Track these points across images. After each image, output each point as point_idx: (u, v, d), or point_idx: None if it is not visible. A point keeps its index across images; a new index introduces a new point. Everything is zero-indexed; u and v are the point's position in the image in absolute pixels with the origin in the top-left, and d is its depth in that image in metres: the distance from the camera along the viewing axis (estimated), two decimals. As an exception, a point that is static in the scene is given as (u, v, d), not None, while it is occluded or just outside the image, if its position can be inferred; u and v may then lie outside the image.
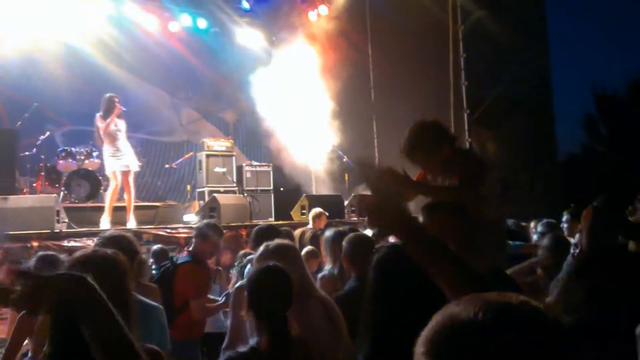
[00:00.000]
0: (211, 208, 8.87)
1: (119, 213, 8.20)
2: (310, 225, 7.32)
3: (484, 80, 10.45)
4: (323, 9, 12.10)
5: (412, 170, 3.31)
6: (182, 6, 11.73)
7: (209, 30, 12.18)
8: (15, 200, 7.35)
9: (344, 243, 3.47)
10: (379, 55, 12.04)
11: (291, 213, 10.03)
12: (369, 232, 4.49)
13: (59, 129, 10.24)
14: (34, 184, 9.09)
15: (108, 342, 1.39)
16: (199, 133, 12.07)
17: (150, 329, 2.57)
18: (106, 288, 1.88)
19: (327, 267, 4.09)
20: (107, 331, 1.40)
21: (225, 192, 10.15)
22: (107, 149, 7.93)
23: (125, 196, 8.16)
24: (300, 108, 11.19)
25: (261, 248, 3.01)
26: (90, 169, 9.22)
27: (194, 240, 4.46)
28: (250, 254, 4.50)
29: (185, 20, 11.78)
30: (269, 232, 4.21)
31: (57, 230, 7.16)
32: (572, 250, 3.17)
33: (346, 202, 10.39)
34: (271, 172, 10.99)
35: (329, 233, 4.15)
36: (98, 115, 7.91)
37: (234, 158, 10.95)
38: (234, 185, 10.46)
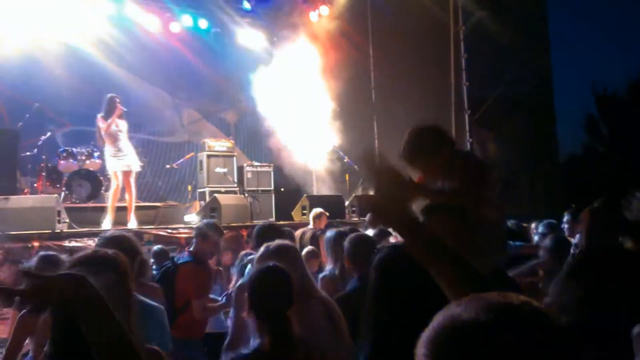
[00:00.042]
0: (212, 208, 8.87)
1: (120, 213, 8.21)
2: (310, 226, 7.32)
3: (485, 81, 10.44)
4: (324, 10, 12.11)
5: (413, 175, 3.30)
6: (183, 6, 11.74)
7: (210, 30, 12.18)
8: (17, 201, 7.36)
9: (345, 243, 3.47)
10: (380, 56, 12.05)
11: (292, 213, 10.03)
12: (370, 232, 4.49)
13: (60, 129, 10.25)
14: (35, 184, 9.10)
15: (107, 342, 1.39)
16: (200, 133, 12.08)
17: (150, 330, 2.57)
18: (107, 288, 1.89)
19: (328, 267, 4.09)
20: (107, 331, 1.40)
21: (226, 192, 10.16)
22: (108, 149, 7.94)
23: (127, 196, 8.16)
24: (301, 108, 11.19)
25: (262, 249, 3.02)
26: (91, 169, 9.23)
27: (194, 240, 4.47)
28: (251, 254, 4.51)
29: (186, 20, 11.78)
30: (270, 231, 4.21)
31: (58, 231, 7.17)
32: (572, 251, 3.17)
33: (347, 203, 10.39)
34: (272, 173, 10.99)
35: (330, 233, 4.15)
36: (99, 115, 7.92)
37: (234, 158, 10.95)
38: (235, 185, 10.46)
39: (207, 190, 10.38)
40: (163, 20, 11.57)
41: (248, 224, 8.63)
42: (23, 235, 6.75)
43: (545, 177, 10.78)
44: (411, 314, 1.40)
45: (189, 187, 11.30)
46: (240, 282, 3.58)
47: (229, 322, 4.67)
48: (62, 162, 9.21)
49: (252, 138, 12.75)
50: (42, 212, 7.15)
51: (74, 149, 9.36)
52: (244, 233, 8.16)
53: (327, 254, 4.22)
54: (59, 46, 10.37)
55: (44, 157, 9.11)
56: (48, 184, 9.02)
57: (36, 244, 6.66)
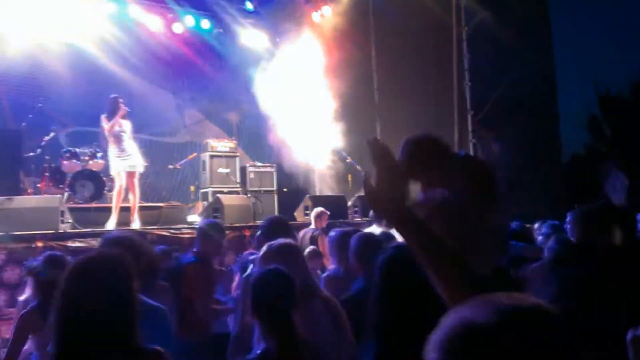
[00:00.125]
0: (215, 209, 8.88)
1: (123, 214, 8.22)
2: (312, 225, 7.33)
3: (488, 81, 10.44)
4: (327, 10, 12.11)
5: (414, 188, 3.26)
6: (186, 7, 11.75)
7: (213, 31, 12.19)
8: (20, 201, 7.37)
9: (352, 242, 3.46)
10: (383, 56, 12.05)
11: (295, 214, 10.03)
12: (374, 229, 4.49)
13: (64, 129, 10.26)
14: (39, 185, 9.10)
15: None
16: (203, 134, 12.09)
17: (153, 330, 2.57)
18: (111, 289, 1.89)
19: (332, 267, 4.09)
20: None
21: (229, 192, 10.17)
22: (112, 149, 7.97)
23: (130, 197, 8.18)
24: (303, 109, 11.19)
25: (264, 247, 3.02)
26: (94, 169, 9.23)
27: (197, 240, 4.47)
28: (253, 253, 4.52)
29: (189, 21, 11.80)
30: (280, 224, 4.17)
31: (62, 231, 7.17)
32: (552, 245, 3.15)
33: (349, 203, 10.39)
34: (275, 173, 11.00)
35: (334, 233, 4.14)
36: (103, 116, 7.94)
37: (237, 159, 10.96)
38: (238, 185, 10.46)
39: (209, 190, 10.39)
40: (166, 21, 11.59)
41: (251, 224, 8.63)
42: (26, 236, 6.76)
43: (548, 177, 10.76)
44: (416, 314, 1.40)
45: (192, 188, 11.30)
46: (243, 283, 3.58)
47: (231, 323, 4.69)
48: (65, 162, 9.22)
49: (254, 138, 12.76)
50: (46, 213, 7.16)
51: (77, 150, 9.37)
52: (247, 233, 8.16)
53: (330, 254, 4.21)
54: (62, 47, 10.39)
55: (47, 157, 9.12)
56: (51, 184, 9.03)
57: (40, 244, 6.67)
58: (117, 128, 7.87)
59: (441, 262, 1.29)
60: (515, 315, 0.81)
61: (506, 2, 10.15)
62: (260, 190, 10.52)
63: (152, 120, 11.62)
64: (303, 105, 11.20)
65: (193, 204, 10.91)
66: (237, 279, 4.79)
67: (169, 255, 5.70)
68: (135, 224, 8.05)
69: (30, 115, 9.21)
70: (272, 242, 3.01)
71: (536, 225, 5.39)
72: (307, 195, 10.30)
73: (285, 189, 11.22)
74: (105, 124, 7.87)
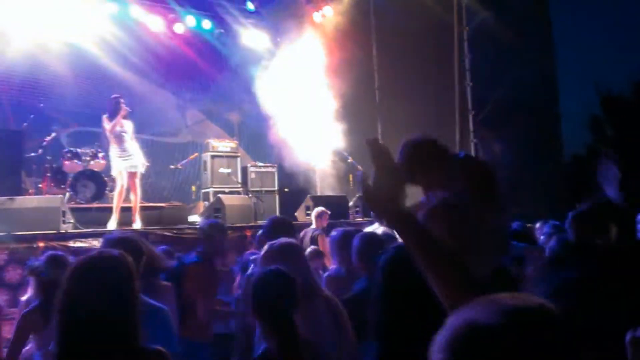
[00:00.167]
0: (216, 209, 8.89)
1: (124, 214, 8.22)
2: (313, 225, 7.34)
3: (489, 81, 10.43)
4: (328, 10, 12.12)
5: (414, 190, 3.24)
6: (187, 7, 11.76)
7: (214, 31, 12.20)
8: (21, 201, 7.38)
9: (355, 241, 3.45)
10: (384, 56, 12.04)
11: (296, 213, 10.03)
12: (375, 227, 4.49)
13: (65, 129, 10.27)
14: (40, 185, 9.12)
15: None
16: (204, 134, 12.10)
17: (155, 331, 2.57)
18: (112, 289, 1.89)
19: (333, 266, 4.08)
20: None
21: (230, 192, 10.17)
22: (113, 149, 7.98)
23: (132, 197, 8.18)
24: (304, 109, 11.20)
25: (265, 247, 3.01)
26: (95, 169, 9.25)
27: (200, 240, 4.48)
28: (254, 253, 4.52)
29: (190, 21, 11.81)
30: (282, 225, 4.18)
31: (63, 231, 7.18)
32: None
33: (351, 203, 10.39)
34: (276, 173, 11.01)
35: (335, 233, 4.13)
36: (104, 116, 7.95)
37: (238, 159, 10.97)
38: (239, 186, 10.47)
39: (211, 190, 10.40)
40: (167, 21, 11.60)
41: (252, 224, 8.64)
42: (28, 236, 6.77)
43: (550, 178, 10.75)
44: (417, 314, 1.40)
45: (193, 188, 11.31)
46: (244, 283, 3.58)
47: (232, 323, 4.70)
48: (66, 162, 9.23)
49: (256, 138, 12.76)
50: (47, 213, 7.17)
51: (79, 150, 9.38)
52: (248, 233, 8.16)
53: (332, 254, 4.21)
54: (64, 47, 10.39)
55: (48, 157, 9.13)
56: (53, 184, 9.04)
57: (41, 244, 6.68)
58: (118, 128, 7.88)
59: (438, 263, 1.29)
60: (520, 315, 0.81)
61: (507, 2, 10.15)
62: (261, 190, 10.53)
63: (154, 120, 11.63)
64: (304, 105, 11.21)
65: (194, 204, 10.91)
66: (238, 279, 4.80)
67: (171, 255, 5.70)
68: (137, 224, 8.06)
69: (32, 116, 9.21)
70: (274, 242, 3.01)
71: (537, 225, 5.39)
72: (309, 195, 10.31)
73: (286, 189, 11.22)
74: (107, 124, 7.88)
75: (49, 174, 8.99)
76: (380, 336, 1.71)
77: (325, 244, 6.39)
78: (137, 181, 8.12)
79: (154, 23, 11.39)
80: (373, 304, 1.79)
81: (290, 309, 2.33)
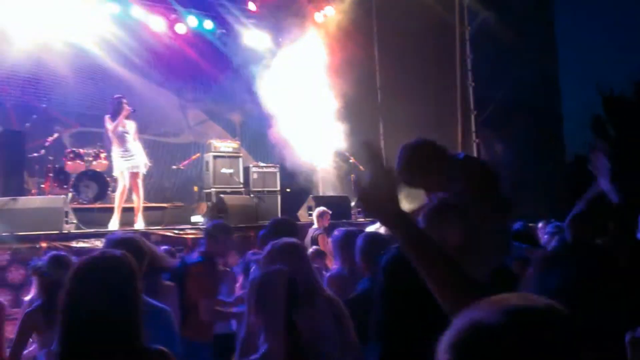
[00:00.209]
0: (218, 209, 8.89)
1: (126, 214, 8.24)
2: (315, 225, 7.35)
3: (491, 81, 10.42)
4: (329, 10, 12.11)
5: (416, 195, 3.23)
6: (189, 8, 11.77)
7: (216, 31, 12.21)
8: (24, 201, 7.40)
9: (359, 241, 3.44)
10: (386, 56, 12.04)
11: (298, 214, 10.04)
12: (377, 227, 4.48)
13: (67, 130, 10.29)
14: (43, 185, 9.13)
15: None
16: (206, 134, 12.10)
17: (157, 331, 2.58)
18: (115, 289, 1.90)
19: (335, 266, 4.08)
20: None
21: (232, 193, 10.18)
22: (115, 150, 7.99)
23: (134, 197, 8.19)
24: (306, 109, 11.20)
25: (268, 246, 3.01)
26: (98, 170, 9.26)
27: (204, 240, 4.49)
28: (256, 253, 4.52)
29: (191, 21, 11.81)
30: (286, 226, 4.18)
31: (66, 231, 7.20)
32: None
33: (353, 203, 10.39)
34: (278, 173, 11.01)
35: (338, 233, 4.13)
36: (107, 116, 7.97)
37: (240, 159, 10.97)
38: (241, 186, 10.47)
39: (213, 191, 10.40)
40: (169, 22, 11.60)
41: (254, 224, 8.64)
42: (31, 236, 6.79)
43: (552, 178, 10.74)
44: (419, 314, 1.41)
45: (195, 188, 11.32)
46: (249, 284, 3.58)
47: (234, 323, 4.70)
48: (69, 163, 9.25)
49: (257, 139, 12.76)
50: (50, 213, 7.19)
51: (81, 150, 9.39)
52: (251, 234, 8.17)
53: (334, 253, 4.21)
54: (66, 47, 10.41)
55: (51, 158, 9.14)
56: (55, 184, 9.05)
57: (44, 244, 6.70)
58: (120, 128, 7.89)
59: (434, 264, 1.29)
60: (525, 315, 0.82)
61: (509, 1, 10.14)
62: (263, 191, 10.53)
63: (156, 120, 11.65)
64: (306, 105, 11.21)
65: (196, 205, 10.92)
66: (240, 279, 4.80)
67: (173, 255, 5.71)
68: (139, 225, 8.07)
69: (34, 116, 9.23)
70: (276, 241, 3.01)
71: (540, 225, 5.40)
72: (311, 195, 10.31)
73: (288, 189, 11.23)
74: (109, 125, 7.90)
75: (51, 175, 9.00)
76: (382, 336, 1.71)
77: (326, 244, 6.40)
78: (139, 181, 8.14)
79: (156, 23, 11.40)
80: (375, 304, 1.80)
81: (291, 308, 2.33)
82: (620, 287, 1.09)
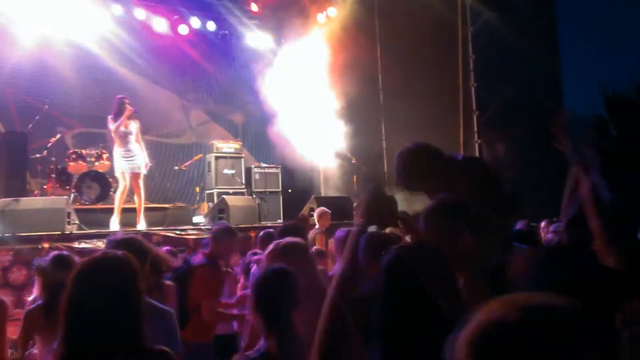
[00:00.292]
0: (220, 210, 8.90)
1: (128, 214, 8.24)
2: (317, 225, 7.35)
3: (494, 82, 10.40)
4: (331, 11, 12.12)
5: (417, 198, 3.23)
6: (192, 9, 11.79)
7: (218, 32, 12.23)
8: (27, 202, 7.41)
9: (362, 241, 3.43)
10: (388, 57, 12.03)
11: (299, 214, 10.03)
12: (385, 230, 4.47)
13: (70, 131, 10.31)
14: (45, 186, 9.15)
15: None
16: (208, 135, 12.12)
17: (159, 332, 2.58)
18: (116, 290, 1.90)
19: (337, 266, 4.07)
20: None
21: (234, 193, 10.19)
22: (117, 150, 8.00)
23: (135, 198, 8.20)
24: (308, 110, 11.20)
25: (271, 246, 3.00)
26: (100, 170, 9.28)
27: (209, 242, 4.49)
28: (256, 253, 4.52)
29: (194, 22, 11.84)
30: (292, 231, 4.17)
31: (68, 232, 7.21)
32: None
33: (355, 204, 10.38)
34: (280, 174, 11.01)
35: (340, 233, 4.12)
36: (109, 117, 7.98)
37: (242, 160, 10.99)
38: (243, 187, 10.48)
39: (215, 191, 10.42)
40: (171, 22, 11.63)
41: (256, 225, 8.65)
42: (33, 237, 6.81)
43: (554, 178, 10.70)
44: (420, 315, 1.41)
45: (197, 189, 11.33)
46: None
47: (235, 324, 4.70)
48: (71, 163, 9.27)
49: (259, 139, 12.78)
50: (52, 214, 7.20)
51: (83, 151, 9.41)
52: (252, 234, 8.18)
53: (336, 254, 4.21)
54: (69, 48, 10.44)
55: (53, 159, 9.16)
56: (58, 185, 9.07)
57: (46, 245, 6.71)
58: (122, 129, 7.90)
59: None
60: (542, 313, 0.84)
61: (512, 2, 10.12)
62: (265, 191, 10.54)
63: (158, 121, 11.66)
64: (308, 106, 11.21)
65: (198, 205, 10.94)
66: (241, 280, 4.80)
67: (175, 256, 5.72)
68: (141, 225, 8.08)
69: (37, 117, 9.25)
70: (280, 241, 3.01)
71: (543, 224, 5.39)
72: (313, 196, 10.31)
73: (290, 190, 11.23)
74: (111, 125, 7.91)
75: (53, 175, 9.02)
76: (382, 336, 1.71)
77: (324, 244, 6.41)
78: (140, 182, 8.14)
79: (158, 24, 11.43)
80: (377, 304, 1.80)
81: (290, 308, 2.33)
82: (612, 288, 1.10)
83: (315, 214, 7.48)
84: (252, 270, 4.08)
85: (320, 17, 12.24)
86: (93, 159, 9.36)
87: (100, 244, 6.64)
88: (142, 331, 1.90)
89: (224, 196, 9.29)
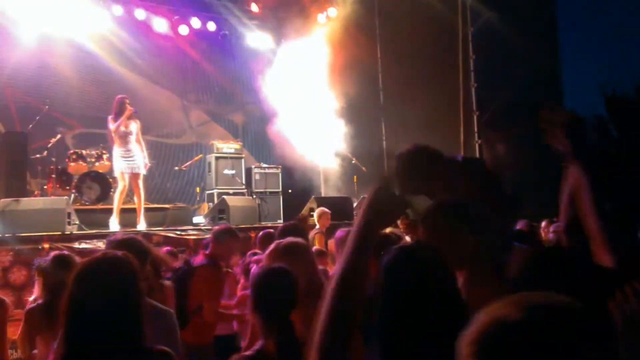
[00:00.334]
0: (220, 210, 8.90)
1: (127, 214, 8.24)
2: (317, 226, 7.35)
3: (494, 82, 10.40)
4: (332, 11, 12.12)
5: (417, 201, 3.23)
6: (192, 9, 11.79)
7: (218, 33, 12.23)
8: (27, 203, 7.41)
9: None
10: (388, 57, 12.04)
11: (300, 215, 10.03)
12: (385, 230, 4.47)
13: (70, 131, 10.31)
14: (45, 186, 9.15)
15: None
16: (208, 135, 12.12)
17: (159, 333, 2.58)
18: (117, 290, 1.90)
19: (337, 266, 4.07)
20: None
21: (234, 194, 10.19)
22: (117, 150, 8.00)
23: (135, 199, 8.20)
24: (309, 110, 11.21)
25: (272, 246, 3.00)
26: (100, 171, 9.28)
27: (210, 243, 4.49)
28: (256, 253, 4.52)
29: (194, 23, 11.84)
30: (292, 231, 4.17)
31: (68, 232, 7.21)
32: None
33: (355, 204, 10.38)
34: (280, 174, 11.01)
35: (340, 233, 4.12)
36: (110, 117, 7.98)
37: (243, 160, 10.99)
38: (243, 187, 10.48)
39: (215, 191, 10.41)
40: (172, 23, 11.63)
41: (256, 225, 8.64)
42: (33, 237, 6.81)
43: (555, 178, 10.69)
44: (420, 315, 1.41)
45: (198, 189, 11.34)
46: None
47: (235, 324, 4.70)
48: (71, 164, 9.27)
49: (260, 140, 12.78)
50: (52, 214, 7.20)
51: (84, 151, 9.42)
52: (252, 235, 8.17)
53: (336, 254, 4.20)
54: (69, 49, 10.44)
55: (53, 159, 9.16)
56: (58, 185, 9.07)
57: (46, 245, 6.71)
58: (122, 129, 7.89)
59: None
60: (546, 312, 0.84)
61: (512, 2, 10.12)
62: (265, 192, 10.54)
63: (158, 121, 11.67)
64: (308, 106, 11.22)
65: (198, 206, 10.94)
66: (241, 280, 4.80)
67: (175, 256, 5.72)
68: (141, 226, 8.08)
69: (37, 117, 9.26)
70: (281, 240, 3.00)
71: (543, 224, 5.40)
72: (313, 196, 10.31)
73: (290, 190, 11.23)
74: (112, 125, 7.91)
75: (54, 176, 9.02)
76: (382, 336, 1.71)
77: (323, 244, 6.42)
78: (140, 182, 8.13)
79: (159, 25, 11.44)
80: (377, 305, 1.79)
81: (289, 308, 2.33)
82: (610, 288, 1.10)
83: (315, 214, 7.49)
84: (252, 270, 4.08)
85: (321, 17, 12.25)
86: (93, 160, 9.36)
87: (101, 245, 6.63)
88: (142, 331, 1.90)
89: (224, 196, 9.29)
